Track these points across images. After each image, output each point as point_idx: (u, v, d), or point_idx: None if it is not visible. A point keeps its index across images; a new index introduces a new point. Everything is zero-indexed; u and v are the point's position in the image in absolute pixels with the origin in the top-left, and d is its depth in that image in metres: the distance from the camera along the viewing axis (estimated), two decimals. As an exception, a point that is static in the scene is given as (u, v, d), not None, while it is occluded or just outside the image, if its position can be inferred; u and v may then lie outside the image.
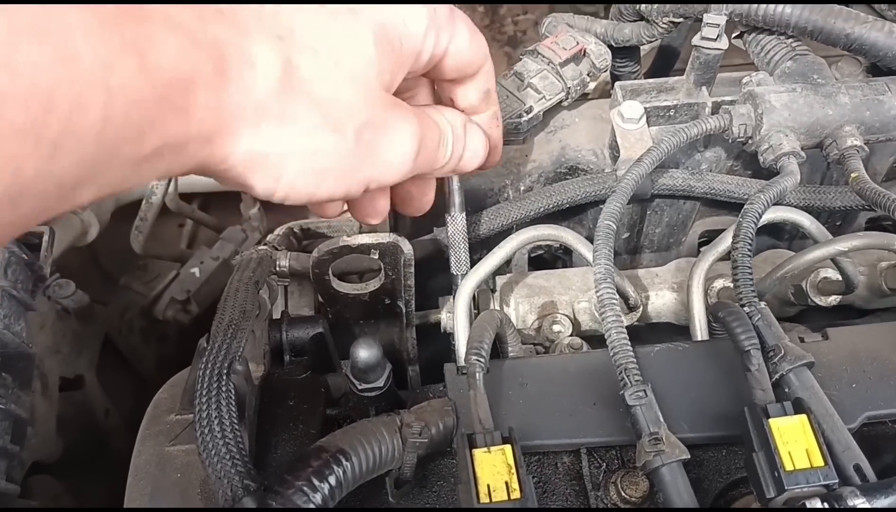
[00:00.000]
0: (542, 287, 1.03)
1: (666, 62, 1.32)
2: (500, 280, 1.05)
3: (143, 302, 1.48)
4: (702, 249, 0.91)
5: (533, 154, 1.03)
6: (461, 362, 0.82)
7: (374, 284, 0.92)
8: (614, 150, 1.00)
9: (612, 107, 1.01)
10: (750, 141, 0.91)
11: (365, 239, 0.84)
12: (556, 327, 0.97)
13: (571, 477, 0.74)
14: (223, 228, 1.65)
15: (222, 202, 1.70)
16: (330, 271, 0.88)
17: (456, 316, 0.85)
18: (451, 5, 0.65)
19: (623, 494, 0.71)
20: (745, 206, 0.82)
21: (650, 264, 1.14)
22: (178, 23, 0.48)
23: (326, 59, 0.58)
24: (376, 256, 0.86)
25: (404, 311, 0.94)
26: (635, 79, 1.17)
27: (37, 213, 0.43)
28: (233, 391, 0.67)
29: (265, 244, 1.01)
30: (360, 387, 0.71)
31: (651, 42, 1.06)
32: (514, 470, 0.63)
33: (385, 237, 0.84)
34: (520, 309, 1.01)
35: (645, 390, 0.69)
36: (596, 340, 1.03)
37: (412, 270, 0.87)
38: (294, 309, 1.07)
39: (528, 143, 1.03)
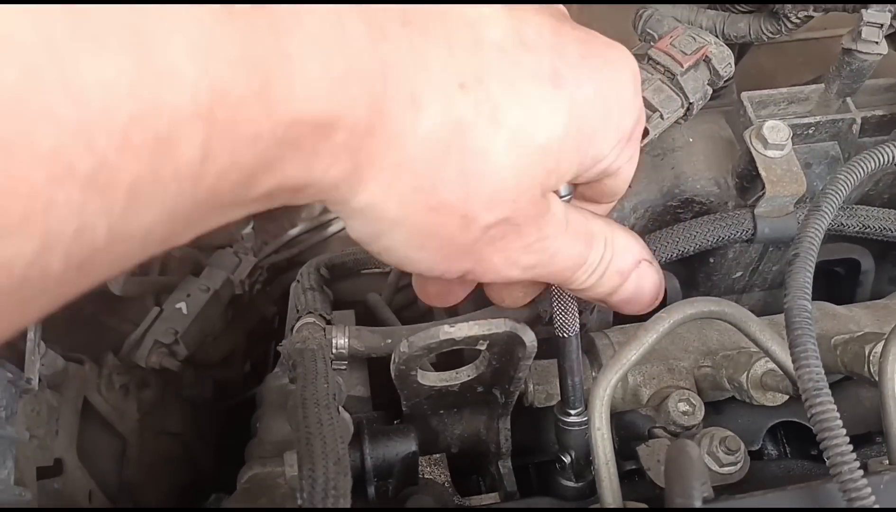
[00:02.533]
0: (653, 350, 0.83)
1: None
2: (594, 338, 0.86)
3: (118, 343, 1.24)
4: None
5: (637, 184, 0.83)
6: (607, 498, 0.62)
7: (468, 374, 0.71)
8: (744, 180, 0.81)
9: (740, 122, 0.81)
10: (936, 174, 0.73)
11: (473, 329, 0.63)
12: (683, 407, 0.78)
13: None
14: (204, 246, 1.39)
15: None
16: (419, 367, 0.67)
17: (594, 421, 0.64)
18: None
19: None
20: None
21: (757, 305, 0.96)
22: (337, 39, 0.35)
23: (504, 133, 0.42)
24: (483, 348, 0.65)
25: (503, 401, 0.74)
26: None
27: (110, 273, 0.33)
28: None
29: (309, 311, 0.78)
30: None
31: (772, 39, 0.85)
32: None
33: (499, 325, 0.63)
34: (629, 380, 0.82)
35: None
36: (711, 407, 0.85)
37: (530, 362, 0.66)
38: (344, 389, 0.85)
39: (629, 170, 0.82)
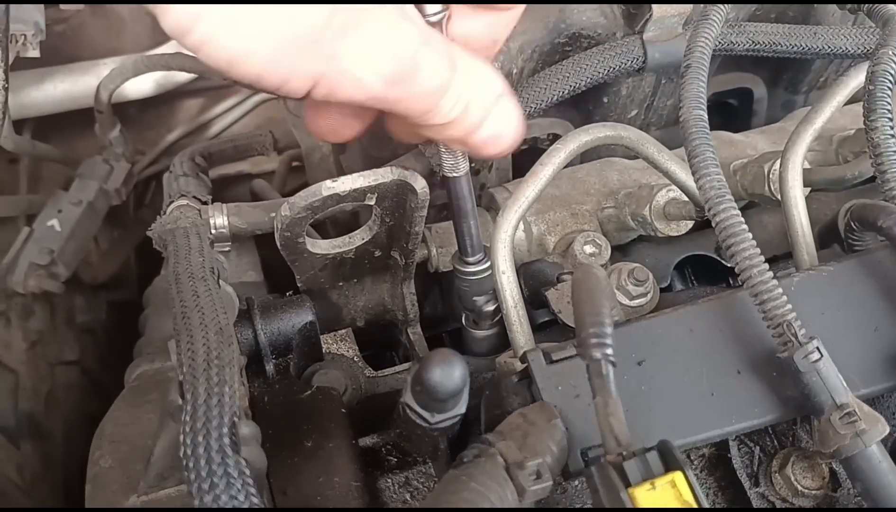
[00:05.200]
0: (554, 197, 0.80)
1: None
2: (494, 193, 0.82)
3: (-11, 272, 1.14)
4: (796, 116, 0.69)
5: (521, 23, 0.77)
6: (520, 342, 0.60)
7: (362, 237, 0.66)
8: (630, 5, 0.77)
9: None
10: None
11: (357, 181, 0.58)
12: (589, 249, 0.75)
13: (718, 474, 0.56)
14: (74, 160, 1.28)
15: (65, 126, 1.32)
16: (305, 232, 0.62)
17: (497, 265, 0.61)
18: None
19: (798, 485, 0.53)
20: (876, 61, 0.60)
21: (656, 143, 0.94)
22: None
23: None
24: (372, 202, 0.60)
25: (403, 262, 0.70)
26: None
27: None
28: (246, 473, 0.42)
29: (182, 194, 0.71)
30: (433, 420, 0.48)
31: None
32: (696, 505, 0.43)
33: (386, 174, 0.58)
34: (533, 230, 0.79)
35: (819, 348, 0.50)
36: (618, 250, 0.83)
37: (424, 212, 0.62)
38: (234, 276, 0.80)
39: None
